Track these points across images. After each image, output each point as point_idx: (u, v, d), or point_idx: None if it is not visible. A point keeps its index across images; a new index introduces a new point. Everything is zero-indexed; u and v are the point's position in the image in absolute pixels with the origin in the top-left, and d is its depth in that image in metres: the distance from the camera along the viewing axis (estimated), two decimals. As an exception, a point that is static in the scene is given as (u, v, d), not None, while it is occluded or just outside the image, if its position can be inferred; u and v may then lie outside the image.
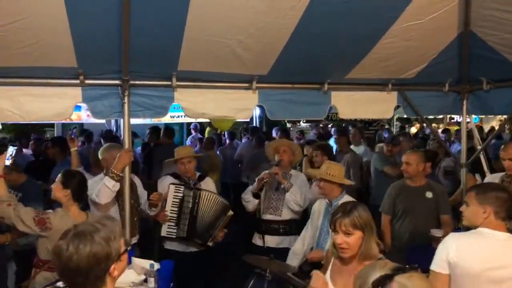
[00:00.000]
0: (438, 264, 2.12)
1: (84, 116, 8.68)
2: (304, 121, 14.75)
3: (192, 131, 9.87)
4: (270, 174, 3.61)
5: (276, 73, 3.25)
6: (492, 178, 3.69)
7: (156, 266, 2.84)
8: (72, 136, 3.98)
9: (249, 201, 3.75)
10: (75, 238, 1.47)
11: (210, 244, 3.62)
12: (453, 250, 2.09)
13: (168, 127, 6.95)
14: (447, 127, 10.02)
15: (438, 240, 2.95)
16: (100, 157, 3.56)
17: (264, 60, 3.12)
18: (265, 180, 3.60)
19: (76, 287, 1.50)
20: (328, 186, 3.15)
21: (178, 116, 9.57)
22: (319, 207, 3.32)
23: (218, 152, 7.08)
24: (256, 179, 3.67)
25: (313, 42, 2.95)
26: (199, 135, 9.46)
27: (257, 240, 3.79)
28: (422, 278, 1.17)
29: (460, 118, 4.65)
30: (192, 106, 3.29)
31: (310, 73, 3.40)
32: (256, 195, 3.61)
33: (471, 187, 2.49)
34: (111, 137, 6.98)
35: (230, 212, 3.63)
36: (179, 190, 3.55)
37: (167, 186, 3.57)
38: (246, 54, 2.97)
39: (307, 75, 3.44)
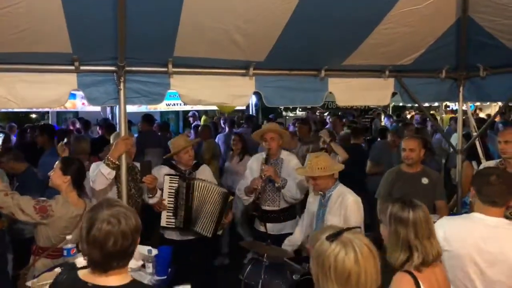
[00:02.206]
0: None
1: (79, 104, 8.62)
2: (300, 109, 14.67)
3: (190, 119, 9.82)
4: (262, 178, 3.52)
5: (273, 59, 3.23)
6: (487, 165, 3.71)
7: (154, 251, 2.86)
8: (64, 147, 3.90)
9: (245, 199, 3.78)
10: (120, 216, 1.48)
11: (220, 233, 3.67)
12: (440, 234, 2.10)
13: (147, 114, 7.15)
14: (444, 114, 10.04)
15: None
16: (112, 141, 3.47)
17: (261, 46, 3.09)
18: (259, 189, 3.53)
19: (118, 265, 1.50)
20: (323, 181, 3.07)
21: (174, 104, 9.52)
22: (314, 197, 3.31)
23: (217, 140, 7.05)
24: (250, 184, 3.60)
25: (310, 28, 2.92)
26: (199, 123, 9.38)
27: (258, 225, 3.79)
28: (364, 237, 1.44)
29: (456, 106, 4.65)
30: (188, 93, 3.26)
31: (307, 59, 3.37)
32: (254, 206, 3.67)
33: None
34: (107, 125, 6.94)
35: (230, 198, 3.64)
36: (174, 180, 3.56)
37: (163, 176, 3.57)
38: (243, 40, 2.93)
39: (304, 62, 3.42)
